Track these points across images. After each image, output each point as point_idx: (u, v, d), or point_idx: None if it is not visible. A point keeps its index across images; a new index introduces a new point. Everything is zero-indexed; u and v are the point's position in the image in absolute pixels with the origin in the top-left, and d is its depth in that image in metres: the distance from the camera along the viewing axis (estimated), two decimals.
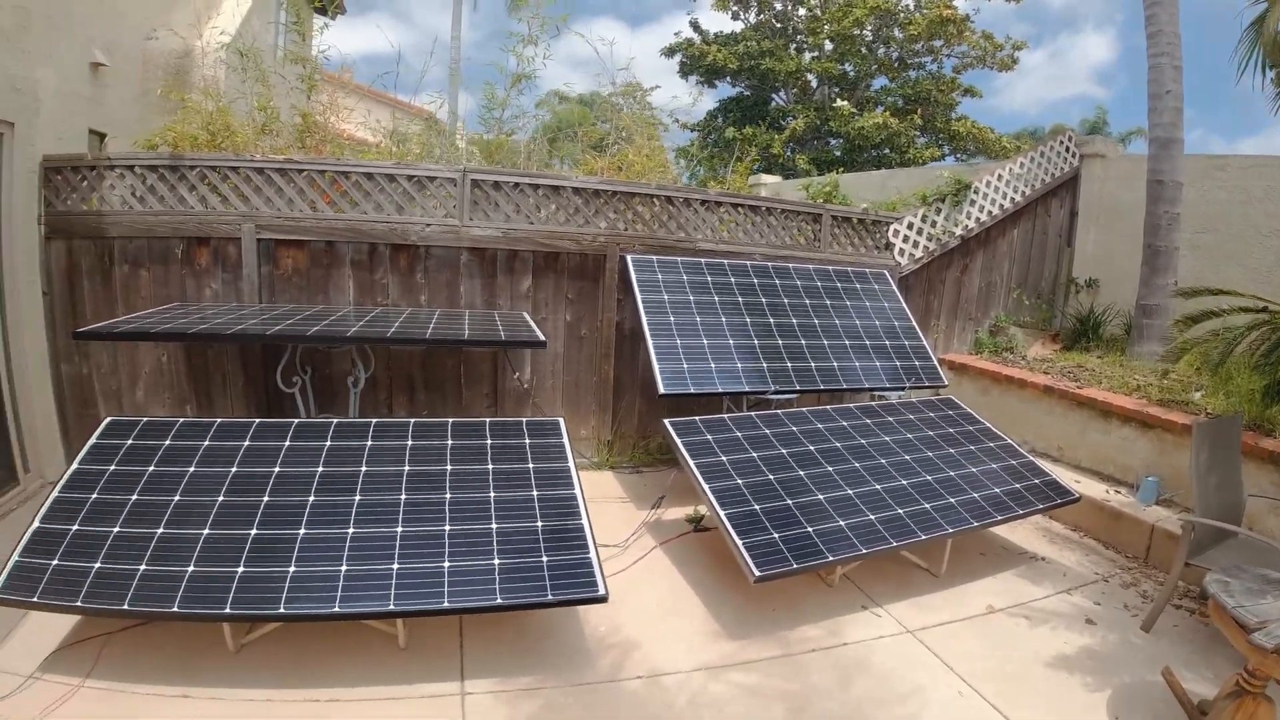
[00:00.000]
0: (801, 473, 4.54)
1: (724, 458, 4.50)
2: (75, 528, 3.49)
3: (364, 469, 3.91)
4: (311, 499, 3.68)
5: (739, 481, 4.32)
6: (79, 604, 3.17)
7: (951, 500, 4.59)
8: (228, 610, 3.14)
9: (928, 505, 4.48)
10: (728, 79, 21.98)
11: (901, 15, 19.92)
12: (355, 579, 3.29)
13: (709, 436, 4.68)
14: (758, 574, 3.66)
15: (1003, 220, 8.44)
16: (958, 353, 8.10)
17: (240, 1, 8.98)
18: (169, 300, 5.51)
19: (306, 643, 3.55)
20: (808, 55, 21.16)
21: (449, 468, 4.00)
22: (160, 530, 3.48)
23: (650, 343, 5.25)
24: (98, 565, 3.30)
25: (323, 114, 6.73)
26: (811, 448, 4.82)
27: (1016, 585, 4.59)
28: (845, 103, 20.10)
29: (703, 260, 5.99)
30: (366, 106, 8.06)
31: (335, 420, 4.27)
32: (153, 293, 5.53)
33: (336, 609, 3.17)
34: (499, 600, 3.29)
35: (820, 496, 4.35)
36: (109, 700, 3.17)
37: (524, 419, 4.48)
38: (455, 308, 5.72)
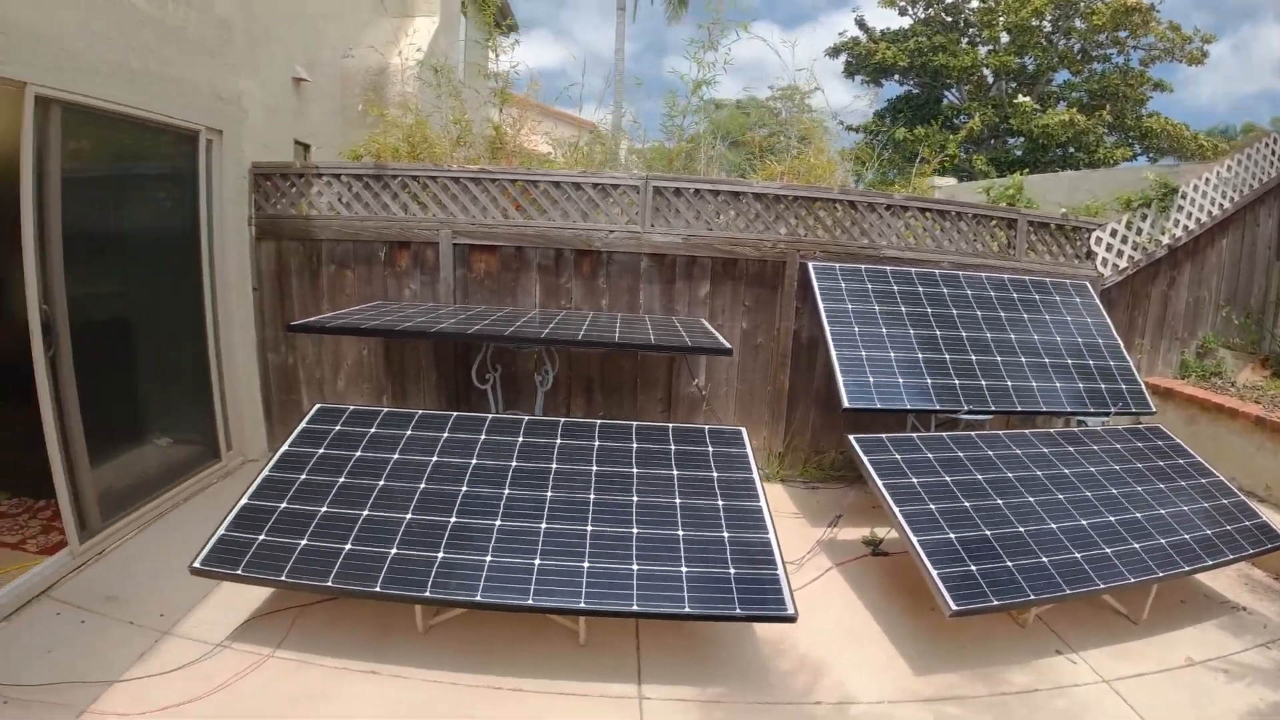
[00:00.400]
0: (999, 501, 4.23)
1: (914, 480, 4.27)
2: (284, 505, 3.77)
3: (554, 466, 4.01)
4: (506, 492, 3.81)
5: (931, 506, 4.07)
6: (283, 578, 3.37)
7: (1161, 540, 4.16)
8: (428, 594, 3.28)
9: (1135, 545, 4.08)
10: (895, 77, 21.15)
11: (1083, 4, 18.49)
12: (547, 573, 3.36)
13: (898, 456, 4.45)
14: (954, 608, 3.43)
15: (1211, 229, 7.60)
16: (1162, 375, 7.36)
17: (429, 23, 9.56)
18: (371, 299, 5.91)
19: (489, 629, 3.67)
20: (983, 49, 20.01)
21: (635, 470, 4.03)
22: (365, 512, 3.70)
23: (834, 353, 5.09)
24: (304, 542, 3.53)
25: (512, 126, 7.01)
26: (1009, 474, 4.49)
27: (1216, 637, 4.13)
28: (1027, 98, 18.82)
29: (888, 268, 5.75)
30: (541, 120, 8.32)
31: (527, 418, 4.42)
32: (357, 291, 5.96)
33: (530, 601, 3.24)
34: (687, 609, 3.25)
35: (1020, 528, 4.03)
36: (297, 671, 3.37)
37: (706, 426, 4.46)
38: (634, 312, 5.79)
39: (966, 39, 20.34)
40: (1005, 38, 19.60)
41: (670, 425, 4.42)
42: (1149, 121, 18.66)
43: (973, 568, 3.68)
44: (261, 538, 3.57)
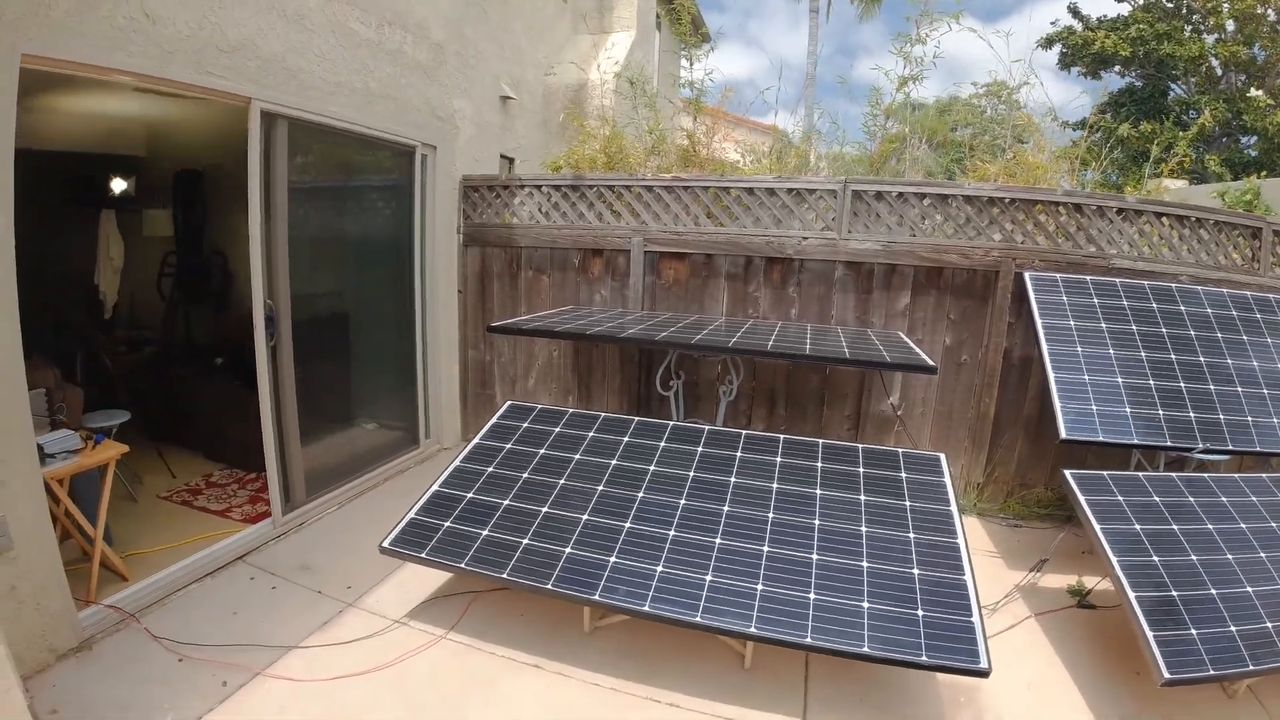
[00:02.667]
0: (1230, 557, 3.62)
1: (1138, 527, 3.73)
2: (470, 495, 3.93)
3: (733, 480, 3.88)
4: (683, 502, 3.72)
5: (1155, 559, 3.54)
6: (463, 565, 3.50)
7: None
8: (597, 597, 3.26)
9: None
10: (1115, 69, 19.01)
11: None
12: (719, 591, 3.23)
13: (1120, 498, 3.91)
14: (1167, 676, 3.01)
15: None
16: None
17: (626, 38, 9.78)
18: (564, 303, 6.09)
19: (653, 639, 3.60)
20: (1209, 38, 17.56)
21: (818, 491, 3.79)
22: (545, 509, 3.76)
23: (1052, 376, 4.56)
24: (485, 532, 3.66)
25: (705, 134, 6.97)
26: (1243, 526, 3.84)
27: None
28: (1260, 92, 16.29)
29: (1118, 281, 5.08)
30: (733, 129, 8.23)
31: (707, 427, 4.32)
32: (550, 295, 6.17)
33: (699, 619, 3.12)
34: (865, 649, 2.98)
35: (1249, 589, 3.45)
36: (466, 655, 3.47)
37: (900, 450, 4.13)
38: (825, 323, 5.52)
39: (1190, 26, 18.00)
40: (1230, 26, 17.21)
41: (860, 445, 4.13)
42: None
43: (1193, 632, 3.21)
44: (447, 524, 3.75)
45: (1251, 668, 3.13)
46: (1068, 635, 4.01)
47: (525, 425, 4.45)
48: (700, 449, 4.11)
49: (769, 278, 5.61)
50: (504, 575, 3.41)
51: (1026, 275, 5.02)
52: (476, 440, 4.39)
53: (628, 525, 3.59)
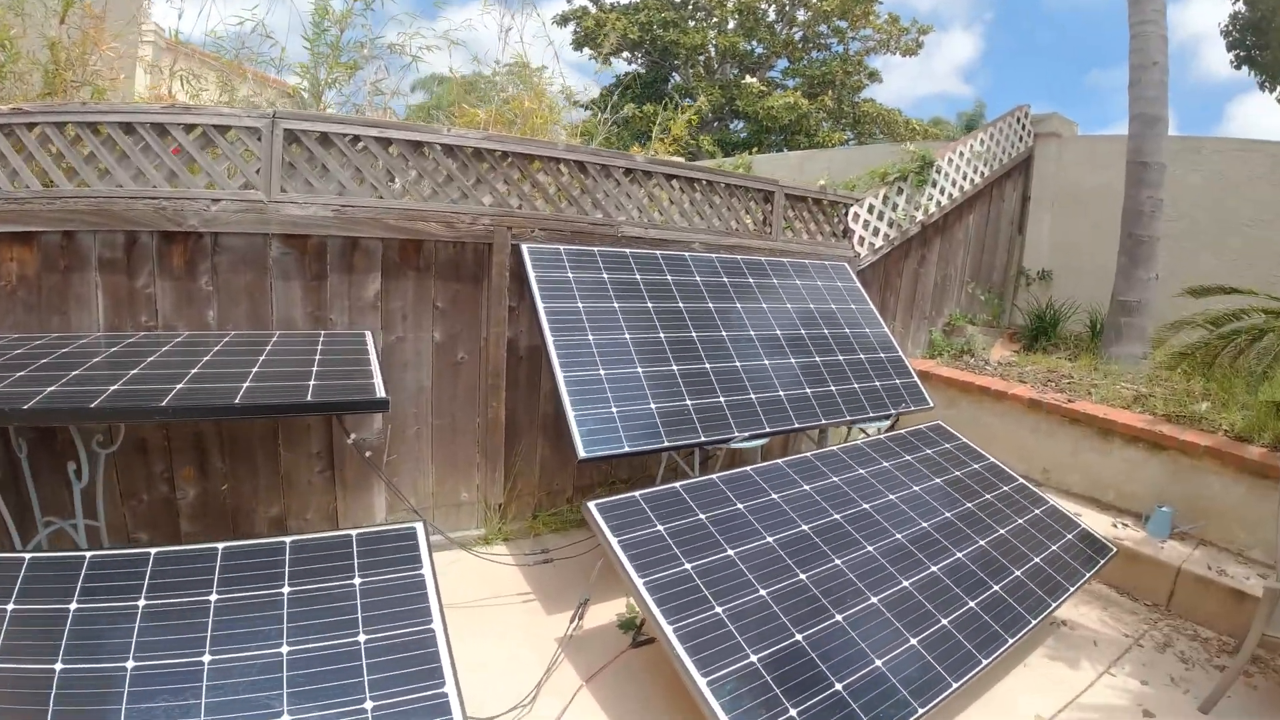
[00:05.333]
0: (803, 576, 3.05)
1: (688, 565, 2.93)
2: None
3: (59, 667, 2.00)
4: None
5: (718, 609, 2.77)
6: None
7: (995, 587, 3.37)
8: None
9: (972, 603, 3.22)
10: (624, 54, 20.74)
11: None
12: None
13: (660, 527, 3.08)
14: None
15: (960, 205, 7.46)
16: (912, 357, 6.89)
17: None
18: None
19: None
20: (711, 31, 20.41)
21: (207, 659, 2.10)
22: None
23: (560, 374, 3.56)
24: None
25: (80, 43, 4.64)
26: (804, 527, 3.35)
27: (1052, 672, 3.54)
28: (753, 80, 19.01)
29: (628, 251, 4.32)
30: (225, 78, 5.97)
31: (90, 554, 2.26)
32: None
33: None
34: None
35: (839, 617, 2.90)
36: None
37: (353, 532, 2.59)
38: (263, 326, 3.76)
39: (694, 21, 20.60)
40: (731, 23, 20.30)
41: (287, 541, 2.50)
42: (865, 106, 20.33)
43: (793, 712, 2.47)
44: None
45: None
46: (631, 694, 3.17)
47: None
48: (73, 607, 2.13)
49: (167, 264, 3.59)
50: None
51: (524, 248, 3.97)
52: None
53: None
